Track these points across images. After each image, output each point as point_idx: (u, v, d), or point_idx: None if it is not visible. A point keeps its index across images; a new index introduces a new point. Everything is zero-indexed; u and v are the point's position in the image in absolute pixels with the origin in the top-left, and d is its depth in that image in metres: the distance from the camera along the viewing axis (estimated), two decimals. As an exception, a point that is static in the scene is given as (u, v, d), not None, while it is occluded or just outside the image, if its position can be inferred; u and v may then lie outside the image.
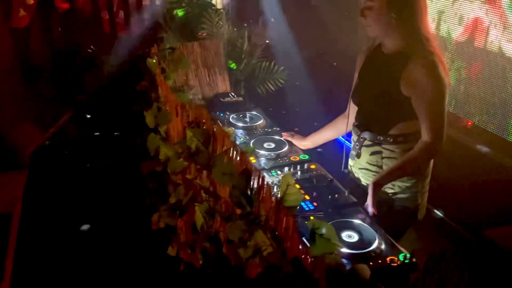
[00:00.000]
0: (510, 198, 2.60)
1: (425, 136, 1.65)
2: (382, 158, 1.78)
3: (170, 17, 2.74)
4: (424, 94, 1.60)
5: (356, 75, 1.89)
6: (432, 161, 1.83)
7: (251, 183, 1.23)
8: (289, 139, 2.19)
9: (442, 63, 1.62)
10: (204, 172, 1.58)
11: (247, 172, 1.23)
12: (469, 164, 2.94)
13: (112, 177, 3.10)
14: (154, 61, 2.22)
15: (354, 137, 1.88)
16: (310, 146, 2.15)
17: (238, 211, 1.29)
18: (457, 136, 3.13)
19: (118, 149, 3.34)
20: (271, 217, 1.14)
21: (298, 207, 1.65)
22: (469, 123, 3.22)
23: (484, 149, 3.03)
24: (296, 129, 2.33)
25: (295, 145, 2.21)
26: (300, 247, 1.07)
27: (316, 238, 1.05)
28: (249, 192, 1.22)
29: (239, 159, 1.31)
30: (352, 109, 1.91)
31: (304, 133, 2.23)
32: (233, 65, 3.08)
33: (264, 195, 1.18)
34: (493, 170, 2.87)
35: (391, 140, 1.73)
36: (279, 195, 1.15)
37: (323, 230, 1.06)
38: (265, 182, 1.18)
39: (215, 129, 1.53)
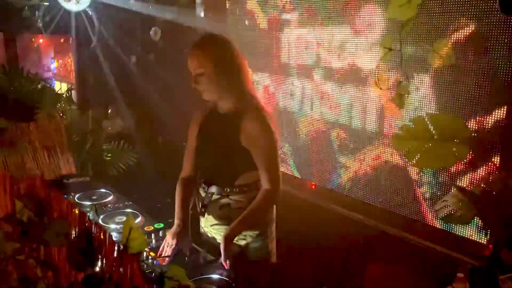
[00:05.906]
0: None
1: (265, 184, 1.77)
2: (231, 209, 1.82)
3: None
4: (259, 145, 1.75)
5: (192, 139, 1.94)
6: (274, 207, 1.94)
7: (92, 240, 1.12)
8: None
9: (271, 117, 1.80)
10: (41, 249, 1.39)
11: (85, 228, 1.12)
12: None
13: None
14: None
15: (202, 194, 1.89)
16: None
17: (80, 276, 1.15)
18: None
19: None
20: (115, 271, 1.04)
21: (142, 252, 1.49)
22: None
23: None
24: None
25: (148, 215, 2.13)
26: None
27: (165, 281, 0.98)
28: (89, 250, 1.10)
29: (77, 217, 1.20)
30: (191, 169, 1.95)
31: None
32: None
33: (107, 249, 1.08)
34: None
35: (237, 190, 1.80)
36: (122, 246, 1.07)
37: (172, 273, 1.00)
38: (107, 235, 1.09)
39: (51, 196, 1.38)
